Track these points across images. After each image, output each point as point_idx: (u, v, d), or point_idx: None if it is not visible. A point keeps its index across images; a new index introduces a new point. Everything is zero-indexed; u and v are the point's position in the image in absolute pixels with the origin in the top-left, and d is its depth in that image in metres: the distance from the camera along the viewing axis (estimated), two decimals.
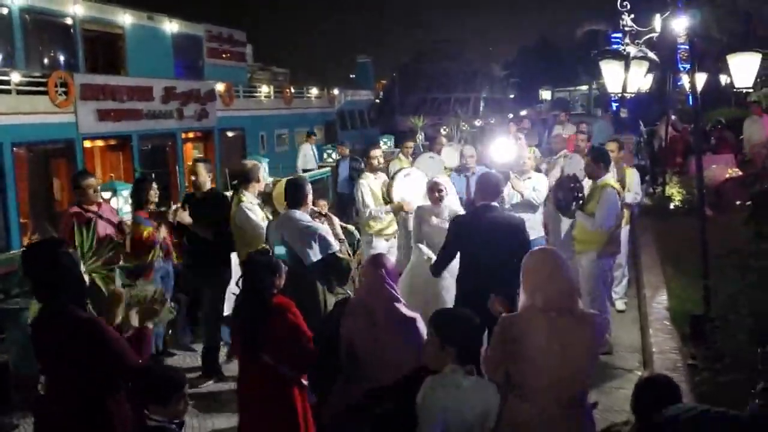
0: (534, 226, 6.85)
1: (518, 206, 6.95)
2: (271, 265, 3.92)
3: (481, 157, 8.19)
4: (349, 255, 5.29)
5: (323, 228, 5.08)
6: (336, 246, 5.02)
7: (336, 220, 5.62)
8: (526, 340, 3.12)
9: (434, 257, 5.36)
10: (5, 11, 13.23)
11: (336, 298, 4.79)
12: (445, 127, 15.42)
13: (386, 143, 15.26)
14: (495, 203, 5.15)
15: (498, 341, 3.23)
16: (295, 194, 5.16)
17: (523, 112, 34.82)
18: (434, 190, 6.04)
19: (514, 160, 7.65)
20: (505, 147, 7.89)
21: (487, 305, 3.61)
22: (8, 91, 12.24)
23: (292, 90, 25.11)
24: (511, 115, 31.41)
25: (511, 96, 56.09)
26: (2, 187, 11.85)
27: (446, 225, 5.45)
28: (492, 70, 54.87)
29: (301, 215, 5.06)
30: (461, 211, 5.88)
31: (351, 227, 8.72)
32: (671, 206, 11.22)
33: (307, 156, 17.21)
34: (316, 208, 5.63)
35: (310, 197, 5.21)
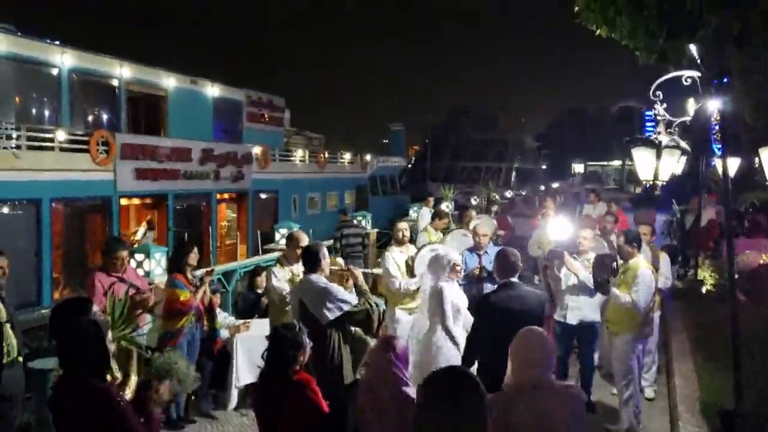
0: (592, 308, 6.70)
1: (574, 288, 6.70)
2: (296, 340, 3.93)
3: (514, 229, 8.08)
4: (374, 304, 5.27)
5: (337, 288, 5.13)
6: (353, 300, 5.08)
7: (358, 272, 5.58)
8: (507, 414, 3.24)
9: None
10: (55, 72, 13.89)
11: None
12: (475, 197, 15.46)
13: (416, 211, 15.28)
14: (515, 279, 5.14)
15: (490, 416, 3.31)
16: (310, 260, 5.26)
17: (555, 185, 34.86)
18: (453, 265, 5.97)
19: (569, 238, 7.43)
20: (561, 225, 7.68)
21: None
22: (51, 148, 12.70)
23: (326, 155, 25.58)
24: (543, 187, 31.43)
25: (543, 167, 56.25)
26: (39, 242, 12.14)
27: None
28: (524, 141, 55.29)
29: (317, 278, 5.14)
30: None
31: (377, 299, 8.72)
32: (703, 290, 10.98)
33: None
34: (335, 268, 5.66)
35: (325, 261, 5.28)
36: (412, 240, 8.16)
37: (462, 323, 5.78)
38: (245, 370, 6.84)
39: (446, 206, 11.76)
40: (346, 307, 5.02)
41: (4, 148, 11.64)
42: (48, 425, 4.69)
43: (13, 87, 13.18)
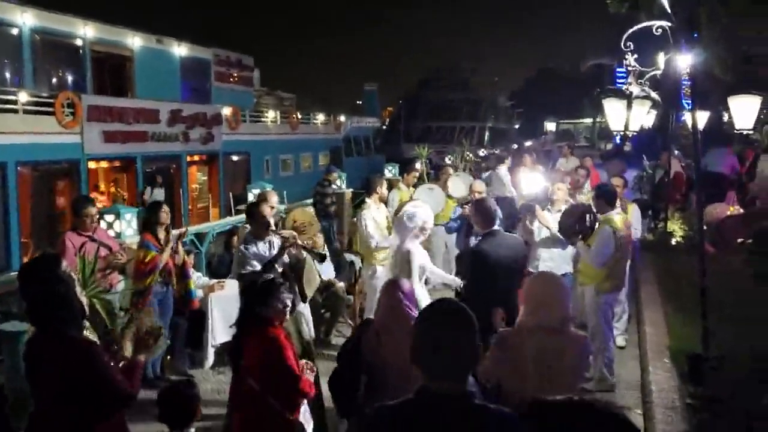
0: (564, 260, 6.77)
1: (547, 241, 6.78)
2: (265, 289, 3.93)
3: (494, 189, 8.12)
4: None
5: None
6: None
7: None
8: (516, 354, 3.36)
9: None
10: (16, 31, 13.42)
11: None
12: (450, 156, 15.46)
13: (391, 171, 15.29)
14: (497, 227, 5.21)
15: (493, 352, 3.47)
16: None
17: (528, 143, 35.01)
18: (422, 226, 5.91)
19: (542, 191, 7.44)
20: (533, 178, 7.73)
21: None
22: (15, 111, 12.35)
23: (299, 115, 25.30)
24: (515, 146, 31.54)
25: (516, 126, 56.40)
26: (5, 206, 11.90)
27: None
28: (497, 100, 55.26)
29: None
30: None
31: (352, 256, 8.73)
32: (672, 242, 11.19)
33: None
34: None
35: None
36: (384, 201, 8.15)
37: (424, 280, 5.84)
38: (220, 329, 6.84)
39: (420, 164, 11.75)
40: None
41: None
42: (21, 388, 4.67)
43: None
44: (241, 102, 21.01)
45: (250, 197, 12.75)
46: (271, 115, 23.27)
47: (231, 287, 7.01)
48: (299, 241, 5.67)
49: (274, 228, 5.75)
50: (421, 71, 56.54)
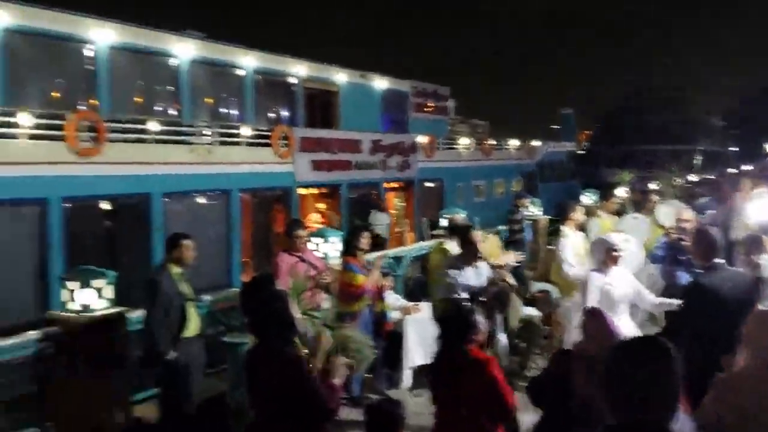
0: None
1: None
2: (468, 320, 3.94)
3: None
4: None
5: None
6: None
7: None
8: (740, 399, 3.15)
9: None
10: (241, 73, 15.05)
11: None
12: (656, 182, 14.50)
13: (589, 197, 14.67)
14: (720, 260, 4.79)
15: (714, 395, 3.28)
16: None
17: (747, 167, 31.67)
18: (609, 250, 5.59)
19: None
20: (762, 205, 6.94)
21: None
22: (238, 143, 13.80)
23: (491, 142, 25.28)
24: (732, 170, 28.67)
25: (731, 149, 51.42)
26: (229, 229, 13.26)
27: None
28: (709, 121, 50.88)
29: None
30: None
31: (548, 286, 8.43)
32: None
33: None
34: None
35: None
36: (582, 228, 7.84)
37: (628, 315, 5.44)
38: (416, 351, 6.96)
39: (625, 191, 11.07)
40: None
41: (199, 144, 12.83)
42: (241, 397, 5.13)
43: (205, 89, 14.47)
44: (436, 131, 21.51)
45: (442, 222, 12.94)
46: (464, 142, 23.52)
47: (426, 310, 7.14)
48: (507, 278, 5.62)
49: (481, 254, 5.75)
50: (620, 91, 53.79)
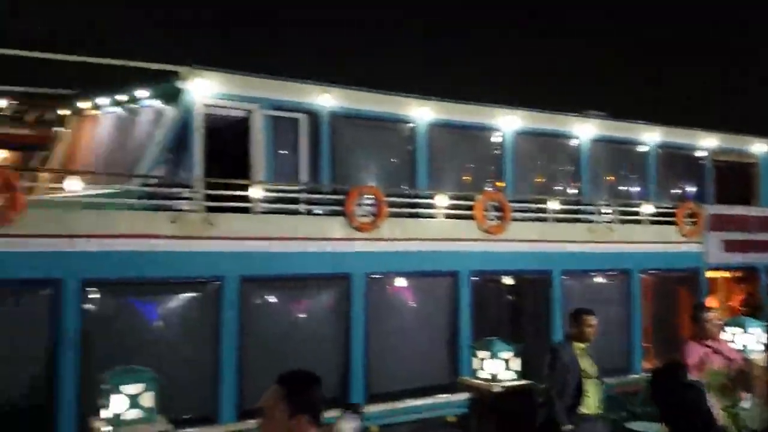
0: None
1: None
2: None
3: None
4: None
5: None
6: None
7: None
8: None
9: None
10: (643, 149, 14.64)
11: None
12: None
13: None
14: None
15: None
16: None
17: None
18: None
19: None
20: None
21: None
22: (638, 221, 13.33)
23: None
24: None
25: None
26: (628, 311, 12.76)
27: None
28: None
29: None
30: None
31: None
32: None
33: None
34: None
35: None
36: None
37: None
38: None
39: None
40: None
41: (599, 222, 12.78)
42: None
43: (605, 166, 14.44)
44: None
45: None
46: None
47: None
48: None
49: None
50: None
